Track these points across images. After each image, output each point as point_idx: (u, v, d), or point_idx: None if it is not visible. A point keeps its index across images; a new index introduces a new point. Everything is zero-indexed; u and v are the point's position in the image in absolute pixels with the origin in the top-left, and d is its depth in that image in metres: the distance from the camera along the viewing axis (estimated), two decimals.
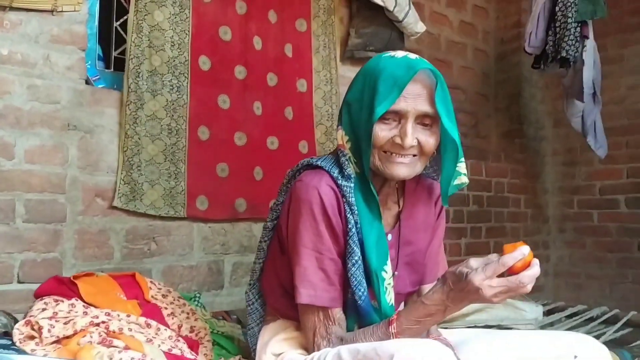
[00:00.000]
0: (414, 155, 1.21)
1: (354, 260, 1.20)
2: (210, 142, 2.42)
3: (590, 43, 2.95)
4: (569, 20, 2.83)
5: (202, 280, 2.45)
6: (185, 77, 2.36)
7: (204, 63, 2.42)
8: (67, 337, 1.24)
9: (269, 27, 2.64)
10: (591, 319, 2.29)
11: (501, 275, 1.08)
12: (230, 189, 2.47)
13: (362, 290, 1.20)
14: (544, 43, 2.99)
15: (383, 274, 1.22)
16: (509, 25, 4.14)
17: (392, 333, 1.15)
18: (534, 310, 2.14)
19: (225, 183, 2.46)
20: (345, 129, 1.26)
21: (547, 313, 2.30)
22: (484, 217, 3.85)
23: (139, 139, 2.22)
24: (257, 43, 2.60)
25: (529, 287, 1.08)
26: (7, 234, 1.95)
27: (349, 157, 1.24)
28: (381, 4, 2.82)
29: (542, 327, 2.19)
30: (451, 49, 3.91)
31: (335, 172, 1.23)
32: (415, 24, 2.95)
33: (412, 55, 1.23)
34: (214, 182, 2.43)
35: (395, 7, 2.83)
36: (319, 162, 1.26)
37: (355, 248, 1.20)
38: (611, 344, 1.81)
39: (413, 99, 1.16)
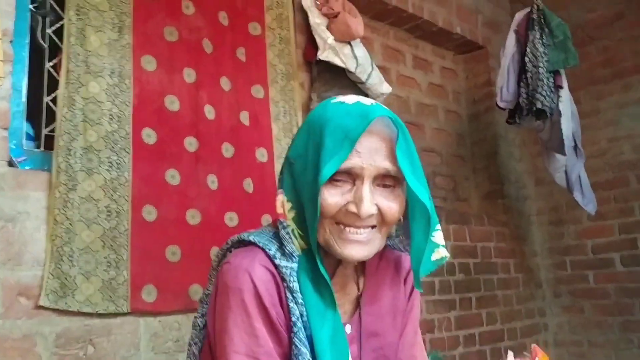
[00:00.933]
0: (373, 227, 0.95)
1: None
2: (158, 223, 2.14)
3: (565, 93, 2.81)
4: (541, 70, 2.69)
5: None
6: (127, 152, 2.11)
7: (149, 136, 2.18)
8: None
9: (222, 94, 2.44)
10: None
11: None
12: (184, 275, 2.17)
13: None
14: (516, 96, 2.84)
15: None
16: (479, 84, 4.04)
17: None
18: None
19: (177, 268, 2.16)
20: (287, 193, 1.00)
21: None
22: (473, 286, 3.55)
23: (71, 224, 1.93)
24: (209, 112, 2.38)
25: None
26: None
27: (292, 230, 0.98)
28: (342, 65, 2.66)
29: None
30: (422, 111, 3.77)
31: (273, 250, 0.96)
32: (380, 85, 2.79)
33: (367, 100, 0.99)
34: (163, 268, 2.12)
35: (357, 67, 2.66)
36: (251, 238, 0.99)
37: (302, 348, 0.91)
38: None
39: (369, 155, 0.92)
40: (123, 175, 2.08)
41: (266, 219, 2.47)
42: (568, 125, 2.79)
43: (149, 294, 2.08)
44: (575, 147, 2.92)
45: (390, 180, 0.94)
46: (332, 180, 0.93)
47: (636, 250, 3.62)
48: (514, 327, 3.78)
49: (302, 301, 0.93)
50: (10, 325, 1.81)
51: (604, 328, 3.75)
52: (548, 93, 2.68)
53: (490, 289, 3.67)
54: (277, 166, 2.58)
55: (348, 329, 1.00)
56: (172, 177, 2.22)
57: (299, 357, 0.90)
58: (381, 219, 0.94)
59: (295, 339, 0.91)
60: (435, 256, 1.01)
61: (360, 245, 0.93)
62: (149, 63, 2.23)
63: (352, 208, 0.92)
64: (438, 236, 1.02)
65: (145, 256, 2.09)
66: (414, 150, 0.96)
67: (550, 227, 4.07)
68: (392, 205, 0.94)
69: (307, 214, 0.95)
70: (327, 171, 0.90)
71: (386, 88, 2.82)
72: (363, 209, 0.90)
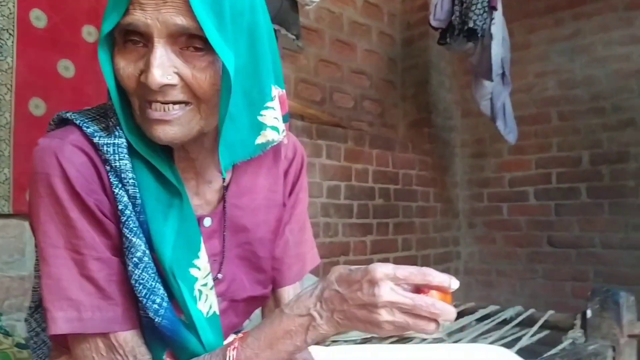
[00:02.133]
0: (186, 104, 0.75)
1: (135, 258, 0.76)
2: (47, 118, 1.90)
3: (498, 16, 2.72)
4: None
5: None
6: (10, 34, 1.84)
7: (38, 18, 1.91)
8: None
9: None
10: (504, 322, 2.01)
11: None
12: None
13: (159, 301, 0.78)
14: (450, 15, 2.73)
15: (193, 272, 0.80)
16: (415, 7, 3.90)
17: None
18: None
19: None
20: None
21: (456, 317, 2.00)
22: (392, 212, 3.55)
23: None
24: None
25: (433, 328, 0.70)
26: None
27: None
28: None
29: (451, 334, 1.87)
30: (355, 31, 3.60)
31: (92, 127, 0.78)
32: None
33: None
34: None
35: None
36: (69, 115, 0.80)
37: (133, 239, 0.76)
38: (526, 353, 1.50)
39: (155, 6, 0.70)
40: (5, 60, 1.83)
41: None
42: (498, 50, 2.72)
43: None
44: (503, 74, 2.87)
45: (197, 42, 0.73)
46: (125, 43, 0.74)
47: (549, 185, 3.72)
48: (428, 254, 3.84)
49: (133, 183, 0.78)
50: None
51: (512, 258, 3.89)
52: (481, 13, 2.58)
53: (408, 216, 3.69)
54: None
55: (208, 221, 0.85)
56: (66, 68, 1.97)
57: (132, 250, 0.76)
58: (190, 92, 0.74)
59: (125, 229, 0.76)
60: (260, 139, 0.82)
61: (166, 125, 0.74)
62: None
63: (143, 78, 0.72)
64: (269, 115, 0.82)
65: (31, 154, 1.87)
66: (240, 2, 0.75)
67: (472, 159, 4.10)
68: (197, 75, 0.73)
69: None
70: (104, 28, 0.72)
71: None
72: (150, 78, 0.70)
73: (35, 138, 1.94)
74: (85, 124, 0.77)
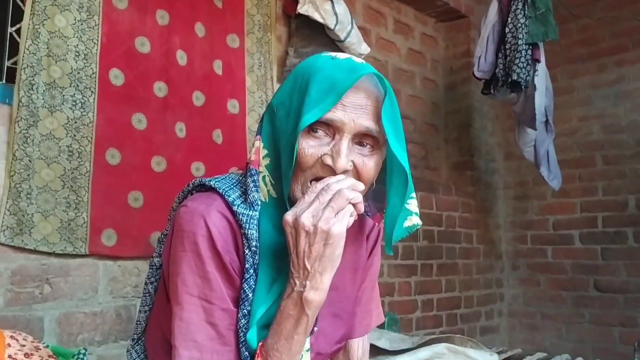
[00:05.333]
0: None
1: (245, 310, 0.90)
2: (122, 167, 2.10)
3: (542, 67, 2.81)
4: (520, 42, 2.68)
5: (108, 330, 2.08)
6: (92, 91, 2.04)
7: (116, 77, 2.12)
8: None
9: (195, 40, 2.37)
10: None
11: None
12: (145, 222, 2.14)
13: (247, 354, 0.90)
14: (493, 67, 2.83)
15: None
16: (458, 54, 4.02)
17: None
18: None
19: (138, 214, 2.13)
20: (264, 140, 0.96)
21: None
22: (435, 254, 3.61)
23: (30, 161, 1.88)
24: (182, 58, 2.32)
25: (347, 192, 0.84)
26: None
27: (264, 177, 0.95)
28: (321, 21, 2.60)
29: None
30: (399, 77, 3.74)
31: (233, 196, 0.93)
32: (358, 45, 2.74)
33: (357, 59, 0.96)
34: (124, 214, 2.09)
35: (336, 25, 2.61)
36: (212, 183, 0.96)
37: (250, 294, 0.90)
38: None
39: (353, 110, 0.89)
40: (87, 115, 2.02)
41: (233, 171, 2.44)
42: (541, 99, 2.80)
43: (109, 238, 2.05)
44: (547, 122, 2.94)
45: (370, 140, 0.91)
46: (312, 131, 0.90)
47: (595, 229, 3.72)
48: (471, 296, 3.87)
49: (256, 251, 0.91)
50: None
51: (557, 302, 3.87)
52: (525, 66, 2.68)
53: (452, 257, 3.74)
54: (249, 119, 2.55)
55: None
56: (139, 121, 2.16)
57: (245, 303, 0.90)
58: (356, 177, 0.92)
59: (245, 284, 0.90)
60: (407, 223, 1.00)
61: None
62: (120, 1, 2.15)
63: (328, 160, 0.89)
64: (413, 204, 1.00)
65: (107, 200, 2.05)
66: (399, 114, 0.93)
67: (515, 201, 4.14)
68: (368, 164, 0.91)
69: (283, 162, 0.93)
70: (308, 118, 0.88)
71: (365, 48, 2.78)
72: (339, 162, 0.88)
73: (110, 185, 2.13)
74: (227, 193, 0.92)
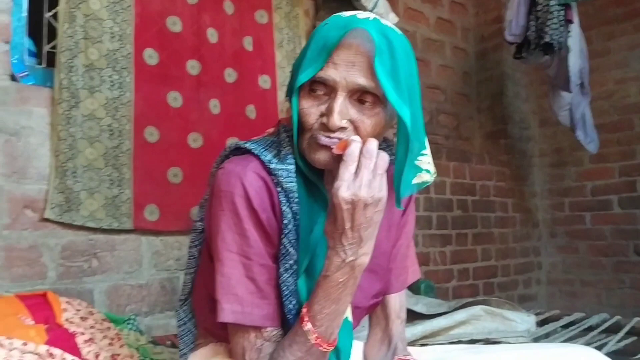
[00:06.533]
0: None
1: (287, 265, 0.94)
2: (160, 144, 2.17)
3: (575, 28, 2.75)
4: (552, 3, 2.62)
5: (153, 301, 2.17)
6: (129, 72, 2.11)
7: (151, 57, 2.17)
8: None
9: (224, 18, 2.41)
10: (590, 328, 2.04)
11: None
12: (185, 197, 2.21)
13: (294, 302, 0.94)
14: (525, 30, 2.78)
15: None
16: (488, 20, 3.95)
17: (310, 332, 0.88)
18: (525, 321, 1.89)
19: (178, 190, 2.20)
20: (290, 101, 1.01)
21: (540, 323, 2.05)
22: (470, 223, 3.61)
23: (74, 141, 1.96)
24: (212, 35, 2.36)
25: (383, 155, 0.85)
26: None
27: (292, 135, 0.99)
28: None
29: (536, 340, 1.94)
30: (428, 47, 3.70)
31: (268, 156, 0.97)
32: (386, 15, 2.73)
33: (364, 15, 0.95)
34: (165, 189, 2.17)
35: None
36: (247, 145, 1.00)
37: (290, 249, 0.94)
38: (614, 356, 1.56)
39: (345, 68, 0.90)
40: (125, 95, 2.09)
41: None
42: (575, 61, 2.74)
43: (152, 214, 2.13)
44: (582, 85, 2.88)
45: (370, 97, 0.91)
46: (311, 91, 0.93)
47: (634, 193, 3.64)
48: (508, 264, 3.86)
49: (297, 201, 0.95)
50: (17, 236, 1.87)
51: (597, 268, 3.83)
52: (557, 27, 2.62)
53: (487, 227, 3.73)
54: (280, 94, 2.58)
55: None
56: (174, 99, 2.22)
57: (286, 257, 0.94)
58: (355, 134, 0.92)
59: (285, 239, 0.94)
60: (416, 180, 0.99)
61: (328, 151, 0.92)
62: None
63: (324, 119, 0.91)
64: (424, 160, 0.99)
65: (148, 176, 2.12)
66: (404, 68, 0.92)
67: (551, 168, 4.08)
68: (365, 120, 0.91)
69: (293, 121, 0.96)
70: (301, 78, 0.91)
71: (392, 18, 2.77)
72: (332, 120, 0.89)
73: (150, 162, 2.21)
74: (262, 154, 0.96)
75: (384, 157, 0.85)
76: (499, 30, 3.74)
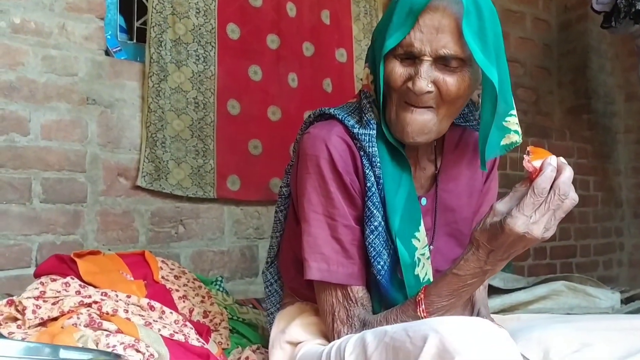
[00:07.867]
0: (429, 108, 0.94)
1: (372, 226, 0.96)
2: (241, 116, 2.24)
3: None
4: None
5: (234, 267, 2.27)
6: (212, 46, 2.18)
7: (233, 31, 2.24)
8: (54, 319, 1.07)
9: None
10: None
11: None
12: (264, 168, 2.28)
13: (382, 262, 0.97)
14: None
15: (414, 242, 0.98)
16: None
17: (422, 316, 0.91)
18: (610, 297, 1.84)
19: (258, 161, 2.28)
20: (370, 67, 1.03)
21: (625, 301, 1.99)
22: None
23: (163, 113, 2.06)
24: (291, 10, 2.39)
25: (573, 195, 0.82)
26: (23, 214, 1.83)
27: (374, 100, 1.01)
28: None
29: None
30: (508, 19, 3.58)
31: (351, 121, 0.99)
32: None
33: None
34: (246, 161, 2.24)
35: None
36: (331, 111, 1.03)
37: (374, 211, 0.96)
38: None
39: (430, 33, 0.90)
40: (209, 68, 2.17)
41: None
42: None
43: (233, 184, 2.21)
44: None
45: (455, 61, 0.92)
46: (398, 56, 0.94)
47: None
48: (588, 244, 3.72)
49: (379, 165, 0.97)
50: (111, 201, 2.00)
51: None
52: None
53: None
54: (357, 67, 2.59)
55: (424, 201, 1.05)
56: (255, 73, 2.28)
57: (371, 218, 0.96)
58: (439, 98, 0.93)
59: (369, 202, 0.97)
60: (505, 141, 0.99)
61: (415, 121, 0.94)
62: None
63: (409, 84, 0.92)
64: (512, 121, 0.98)
65: (230, 148, 2.20)
66: (491, 28, 0.91)
67: (637, 145, 3.87)
68: (450, 82, 0.91)
69: (377, 87, 0.98)
70: (389, 43, 0.92)
71: None
72: (417, 84, 0.90)
73: (232, 134, 2.29)
74: (346, 119, 0.99)
75: (573, 198, 0.82)
76: (584, 0, 3.56)
